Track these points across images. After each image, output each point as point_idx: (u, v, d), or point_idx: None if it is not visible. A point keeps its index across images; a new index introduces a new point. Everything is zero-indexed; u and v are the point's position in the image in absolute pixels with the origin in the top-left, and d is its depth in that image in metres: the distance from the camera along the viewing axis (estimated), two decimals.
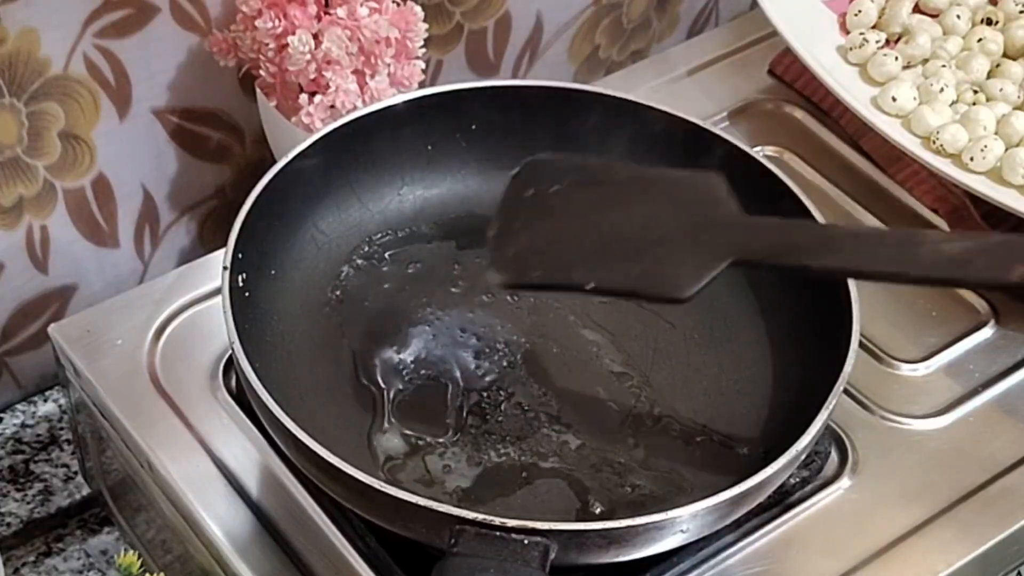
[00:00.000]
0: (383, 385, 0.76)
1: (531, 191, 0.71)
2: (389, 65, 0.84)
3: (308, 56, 0.82)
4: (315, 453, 0.65)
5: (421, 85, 0.85)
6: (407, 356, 0.77)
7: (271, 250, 0.77)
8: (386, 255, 0.81)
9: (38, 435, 0.91)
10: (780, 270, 0.69)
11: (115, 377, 0.78)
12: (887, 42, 0.91)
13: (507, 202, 0.72)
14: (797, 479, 0.75)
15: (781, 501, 0.74)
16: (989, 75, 0.90)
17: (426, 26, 0.85)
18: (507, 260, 0.70)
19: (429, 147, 0.83)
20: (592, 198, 0.70)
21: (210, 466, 0.75)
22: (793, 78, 0.97)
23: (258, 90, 0.87)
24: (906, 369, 0.81)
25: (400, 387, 0.76)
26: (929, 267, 0.65)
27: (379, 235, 0.82)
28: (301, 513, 0.73)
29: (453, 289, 0.80)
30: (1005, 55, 0.91)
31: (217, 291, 0.72)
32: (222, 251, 0.73)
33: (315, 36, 0.82)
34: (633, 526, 0.64)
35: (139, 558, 0.69)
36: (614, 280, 0.67)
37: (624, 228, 0.68)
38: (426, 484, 0.72)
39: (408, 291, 0.80)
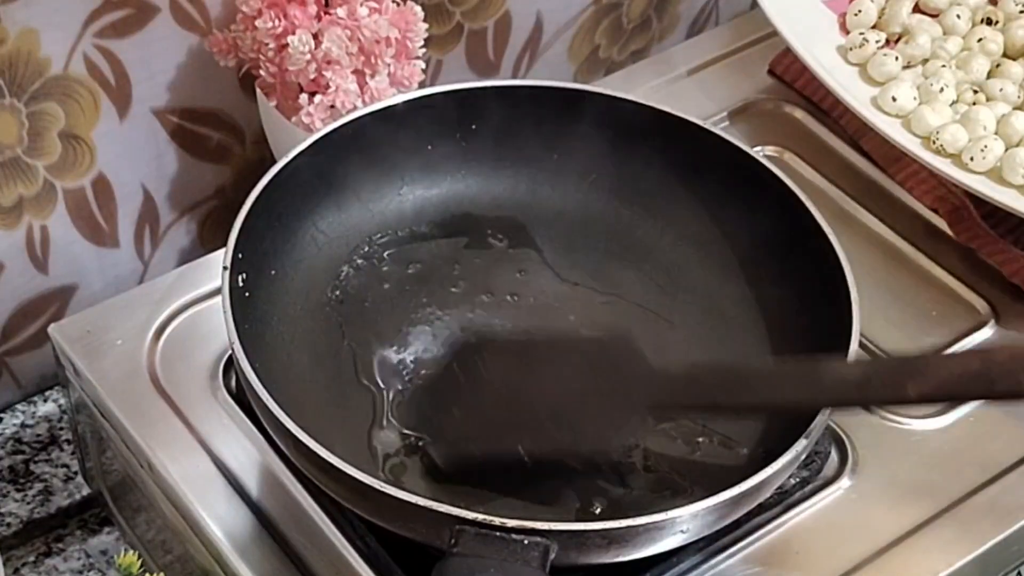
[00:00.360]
0: (383, 385, 0.76)
1: (463, 371, 0.75)
2: (389, 65, 0.84)
3: (308, 56, 0.82)
4: (315, 453, 0.65)
5: (421, 85, 0.85)
6: (407, 356, 0.77)
7: (271, 250, 0.77)
8: (386, 255, 0.81)
9: (38, 435, 0.91)
10: (698, 413, 0.74)
11: (115, 377, 0.78)
12: (887, 42, 0.91)
13: (443, 381, 0.76)
14: (797, 479, 0.75)
15: (781, 501, 0.74)
16: (989, 75, 0.90)
17: (426, 26, 0.85)
18: (449, 443, 0.73)
19: (429, 147, 0.83)
20: (511, 375, 0.74)
21: (210, 466, 0.75)
22: (793, 78, 0.97)
23: (258, 90, 0.87)
24: None
25: (400, 387, 0.76)
26: (833, 393, 0.69)
27: (379, 235, 0.82)
28: (301, 513, 0.73)
29: (453, 289, 0.80)
30: (1005, 55, 0.91)
31: (217, 291, 0.72)
32: (222, 251, 0.73)
33: (315, 36, 0.82)
34: (633, 526, 0.64)
35: (139, 558, 0.69)
36: (544, 446, 0.71)
37: (547, 394, 0.73)
38: (426, 484, 0.72)
39: (408, 291, 0.80)
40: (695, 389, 0.71)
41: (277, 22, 0.82)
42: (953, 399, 0.75)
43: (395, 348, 0.77)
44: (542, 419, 0.72)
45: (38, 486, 0.88)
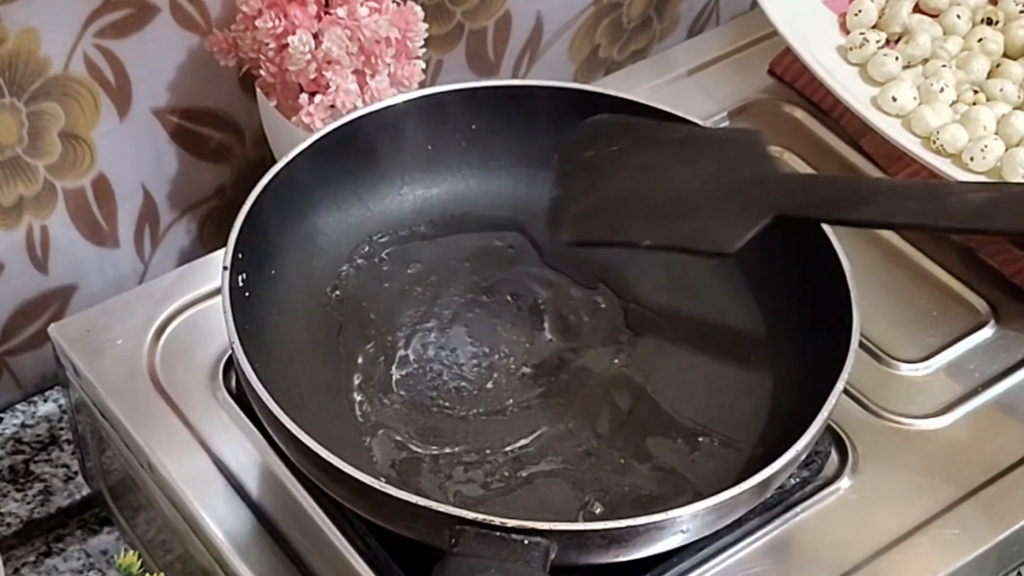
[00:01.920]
0: (383, 384, 0.76)
1: (590, 153, 0.77)
2: (389, 65, 0.84)
3: (308, 56, 0.82)
4: (315, 453, 0.65)
5: (421, 85, 0.85)
6: (407, 355, 0.77)
7: (271, 250, 0.77)
8: (386, 255, 0.81)
9: (38, 435, 0.91)
10: (819, 223, 0.74)
11: (115, 377, 0.78)
12: (887, 42, 0.91)
13: (565, 164, 0.76)
14: (797, 479, 0.75)
15: (781, 501, 0.74)
16: (989, 75, 0.90)
17: (426, 26, 0.85)
18: (570, 221, 0.75)
19: (429, 147, 0.83)
20: (644, 159, 0.75)
21: (210, 466, 0.75)
22: (793, 78, 0.97)
23: (258, 90, 0.87)
24: (906, 369, 0.81)
25: (400, 386, 0.76)
26: (955, 216, 0.68)
27: (379, 235, 0.82)
28: (301, 513, 0.73)
29: (453, 289, 0.80)
30: (1005, 55, 0.91)
31: (217, 291, 0.72)
32: (222, 251, 0.73)
33: (315, 36, 0.82)
34: (633, 526, 0.64)
35: (139, 558, 0.69)
36: (668, 237, 0.72)
37: (675, 188, 0.73)
38: (426, 484, 0.72)
39: (408, 291, 0.80)
40: (819, 199, 0.71)
41: (277, 22, 0.82)
42: None
43: (395, 348, 0.77)
44: (669, 212, 0.72)
45: (38, 486, 0.88)
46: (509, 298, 0.80)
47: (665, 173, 0.74)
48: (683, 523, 0.65)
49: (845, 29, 0.92)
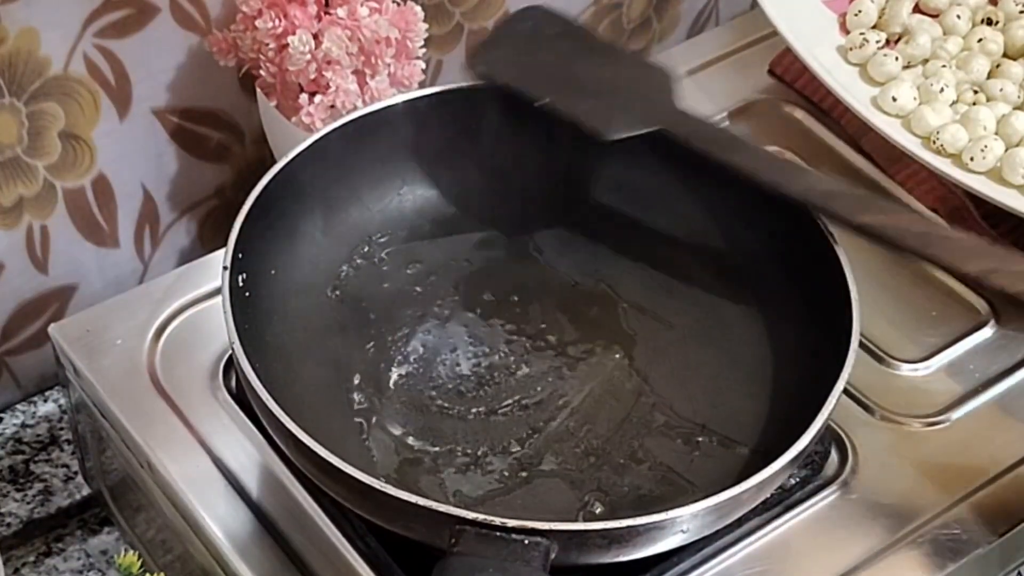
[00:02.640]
0: (383, 384, 0.76)
1: (522, 26, 0.86)
2: (389, 65, 0.84)
3: (308, 56, 0.82)
4: (315, 453, 0.65)
5: (421, 85, 0.85)
6: (407, 355, 0.77)
7: (271, 250, 0.77)
8: (386, 255, 0.81)
9: (38, 435, 0.91)
10: (692, 155, 0.79)
11: (115, 377, 0.78)
12: (887, 42, 0.91)
13: (499, 28, 0.85)
14: (797, 479, 0.75)
15: (781, 501, 0.74)
16: (989, 75, 0.90)
17: (426, 26, 0.85)
18: (486, 61, 0.83)
19: (429, 147, 0.83)
20: (567, 46, 0.84)
21: (210, 466, 0.75)
22: (793, 78, 0.97)
23: (258, 90, 0.87)
24: (906, 369, 0.81)
25: (400, 386, 0.76)
26: (801, 190, 0.76)
27: (379, 235, 0.82)
28: (301, 513, 0.73)
29: (453, 289, 0.80)
30: (1005, 55, 0.91)
31: (217, 291, 0.72)
32: (222, 251, 0.73)
33: (315, 36, 0.82)
34: (633, 526, 0.64)
35: (139, 558, 0.69)
36: (564, 104, 0.79)
37: (584, 75, 0.82)
38: (426, 484, 0.72)
39: (408, 291, 0.80)
40: (700, 134, 0.79)
41: (277, 22, 0.82)
42: (888, 244, 0.77)
43: (395, 348, 0.77)
44: (573, 87, 0.80)
45: (38, 486, 0.88)
46: (508, 298, 0.80)
47: (579, 63, 0.82)
48: (683, 523, 0.65)
49: (845, 29, 0.92)
